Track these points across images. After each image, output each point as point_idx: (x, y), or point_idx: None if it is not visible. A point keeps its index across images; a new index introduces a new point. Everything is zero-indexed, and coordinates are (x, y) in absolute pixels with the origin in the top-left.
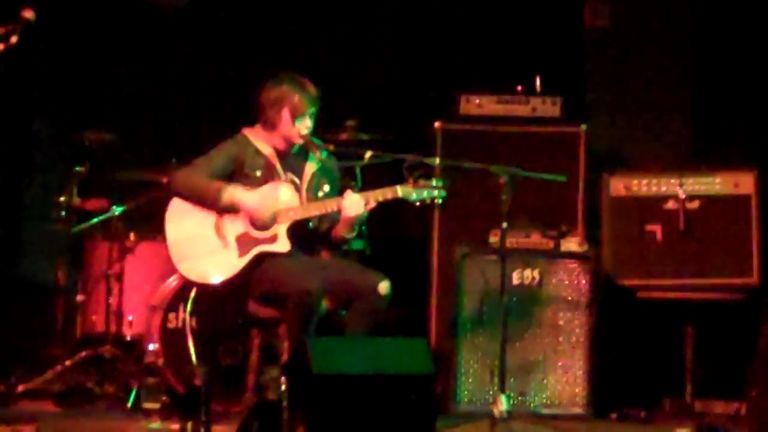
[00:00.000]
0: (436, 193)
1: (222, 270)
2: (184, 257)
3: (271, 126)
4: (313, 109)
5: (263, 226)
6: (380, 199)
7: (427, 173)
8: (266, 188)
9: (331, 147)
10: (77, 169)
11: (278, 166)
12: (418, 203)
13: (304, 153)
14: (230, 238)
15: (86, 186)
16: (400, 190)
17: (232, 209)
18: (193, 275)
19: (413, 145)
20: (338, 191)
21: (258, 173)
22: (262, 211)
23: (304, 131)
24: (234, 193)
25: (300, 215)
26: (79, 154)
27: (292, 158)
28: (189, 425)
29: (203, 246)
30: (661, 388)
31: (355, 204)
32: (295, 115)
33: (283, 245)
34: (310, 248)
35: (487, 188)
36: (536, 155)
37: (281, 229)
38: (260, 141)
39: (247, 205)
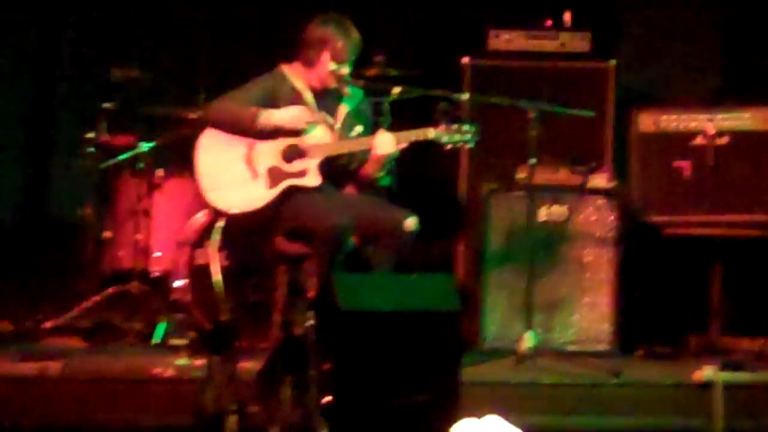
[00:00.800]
0: (468, 137)
1: (251, 201)
2: (213, 186)
3: (309, 64)
4: (353, 57)
5: (296, 158)
6: (412, 139)
7: (460, 117)
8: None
9: (360, 82)
10: (105, 105)
11: (313, 104)
12: (449, 146)
13: (339, 94)
14: (261, 169)
15: (114, 122)
16: (432, 133)
17: (267, 131)
18: (222, 204)
19: (441, 80)
20: (371, 133)
21: None
22: (299, 121)
23: (340, 76)
24: (271, 114)
25: (332, 151)
26: (107, 91)
27: (327, 98)
28: (216, 361)
29: (233, 176)
30: (687, 325)
31: (386, 143)
32: (335, 60)
33: (313, 180)
34: (340, 185)
35: (515, 124)
36: (565, 91)
37: (312, 164)
38: (297, 78)
39: (283, 121)
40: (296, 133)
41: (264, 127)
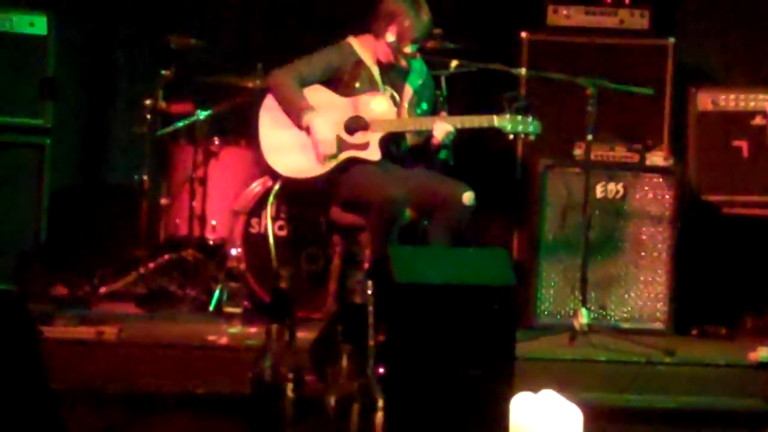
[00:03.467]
0: (531, 129)
1: (310, 167)
2: (274, 149)
3: (376, 36)
4: (419, 38)
5: (358, 130)
6: (475, 125)
7: (525, 107)
8: (362, 99)
9: (417, 54)
10: (163, 72)
11: (379, 79)
12: (511, 136)
13: (405, 70)
14: None
15: (172, 90)
16: (496, 120)
17: (307, 132)
18: (281, 167)
19: (499, 55)
20: (434, 111)
21: (357, 84)
22: (322, 149)
23: (398, 50)
24: (312, 120)
25: (394, 128)
26: (165, 58)
27: (393, 73)
28: (273, 328)
29: (295, 141)
30: (743, 305)
31: (447, 129)
32: (399, 38)
33: (373, 154)
34: (400, 160)
35: (572, 100)
36: (623, 68)
37: (374, 138)
38: (365, 51)
39: (316, 137)
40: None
41: (303, 126)
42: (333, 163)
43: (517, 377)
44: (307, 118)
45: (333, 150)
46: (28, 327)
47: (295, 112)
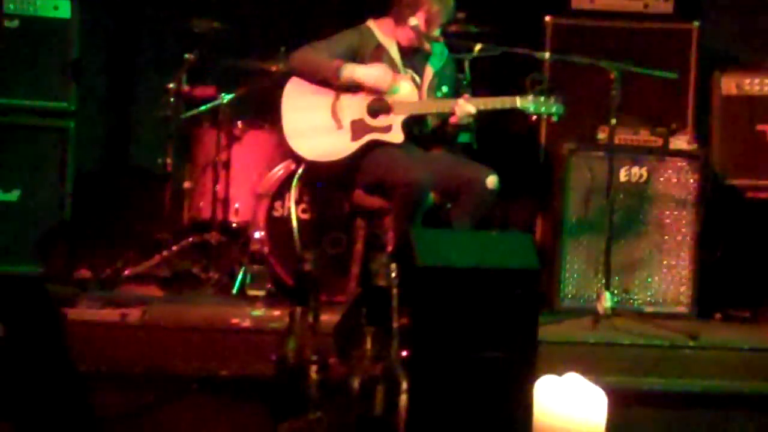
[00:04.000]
0: (553, 110)
1: (333, 150)
2: (297, 133)
3: (400, 21)
4: (445, 22)
5: (381, 113)
6: (498, 107)
7: (549, 88)
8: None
9: (441, 39)
10: (186, 56)
11: (399, 62)
12: (534, 117)
13: (426, 53)
14: (345, 121)
15: (195, 73)
16: (519, 101)
17: (350, 86)
18: (304, 151)
19: (523, 38)
20: (455, 94)
21: None
22: (382, 83)
23: (421, 33)
24: (354, 69)
25: (417, 110)
26: (188, 42)
27: (414, 56)
28: (297, 311)
29: (317, 125)
30: (767, 289)
31: (469, 109)
32: (427, 23)
33: (396, 136)
34: (422, 143)
35: (596, 84)
36: (647, 52)
37: (397, 120)
38: (385, 35)
39: (366, 79)
40: (378, 90)
41: (346, 81)
42: (368, 138)
43: (540, 360)
44: (347, 72)
45: (390, 79)
46: (52, 311)
47: (330, 73)
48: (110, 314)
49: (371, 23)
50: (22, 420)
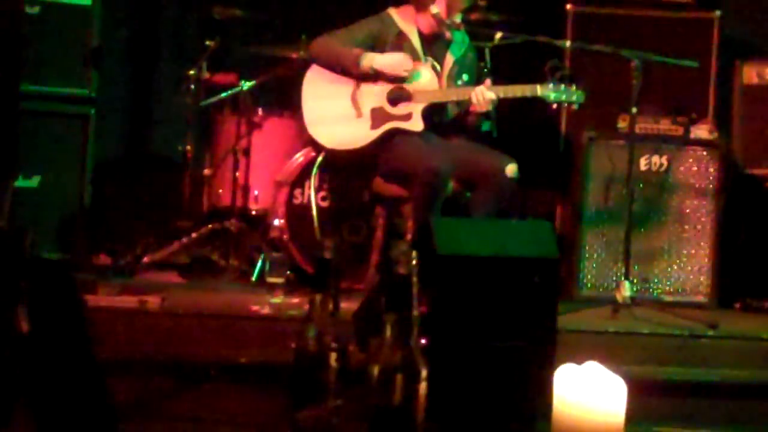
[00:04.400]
0: (574, 98)
1: (353, 139)
2: (316, 121)
3: (421, 8)
4: (466, 7)
5: (401, 101)
6: (518, 95)
7: (570, 76)
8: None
9: (462, 26)
10: (207, 43)
11: (420, 49)
12: (554, 105)
13: (447, 41)
14: (365, 109)
15: (216, 60)
16: (539, 89)
17: (370, 75)
18: (323, 139)
19: (544, 26)
20: (475, 82)
21: None
22: (402, 71)
23: (442, 20)
24: (374, 58)
25: (437, 98)
26: (209, 28)
27: (435, 44)
28: (317, 298)
29: (337, 113)
30: None
31: (489, 98)
32: (450, 9)
33: (416, 124)
34: (442, 131)
35: (617, 72)
36: (668, 40)
37: (417, 109)
38: (406, 22)
39: (386, 68)
40: (398, 78)
41: (365, 69)
42: (388, 126)
43: (560, 349)
44: (367, 60)
45: (410, 68)
46: (74, 296)
47: (350, 62)
48: (129, 301)
49: (392, 11)
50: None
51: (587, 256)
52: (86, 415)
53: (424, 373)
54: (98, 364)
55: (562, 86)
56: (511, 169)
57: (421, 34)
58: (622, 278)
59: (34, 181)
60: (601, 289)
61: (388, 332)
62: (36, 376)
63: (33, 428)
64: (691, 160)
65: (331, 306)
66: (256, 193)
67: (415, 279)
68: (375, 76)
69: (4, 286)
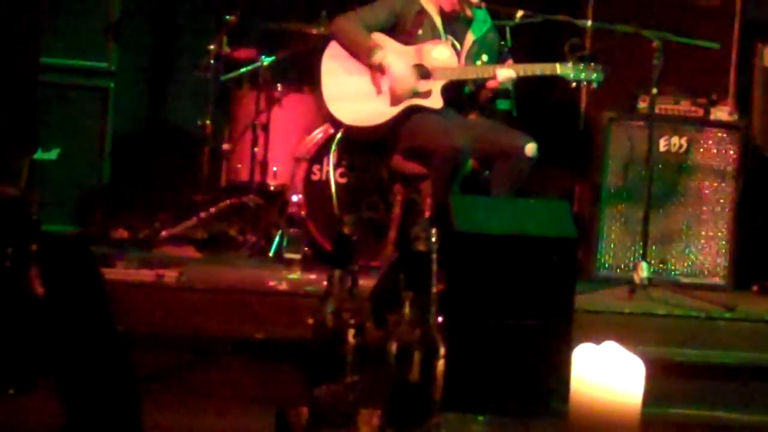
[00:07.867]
0: (594, 77)
1: (372, 116)
2: (336, 97)
3: None
4: None
5: (421, 79)
6: (537, 73)
7: (589, 55)
8: (424, 47)
9: (483, 4)
10: (227, 18)
11: (441, 27)
12: (574, 84)
13: (468, 19)
14: (384, 87)
15: (236, 35)
16: (559, 68)
17: (378, 70)
18: (342, 116)
19: (565, 6)
20: (495, 62)
21: (420, 32)
22: (402, 84)
23: (468, 3)
24: (386, 56)
25: (456, 76)
26: (229, 3)
27: (455, 22)
28: (336, 274)
29: (357, 89)
30: None
31: (509, 75)
32: None
33: (436, 102)
34: (461, 109)
35: (637, 53)
36: (690, 21)
37: (436, 86)
38: (428, 0)
39: (393, 73)
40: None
41: (375, 64)
42: (407, 104)
43: (576, 329)
44: (379, 56)
45: (411, 83)
46: (93, 270)
47: (363, 52)
48: (147, 275)
49: None
50: (66, 375)
51: (605, 236)
52: (110, 384)
53: (441, 350)
54: (119, 335)
55: (582, 65)
56: (530, 148)
57: (442, 12)
58: (640, 259)
59: (53, 154)
60: (618, 270)
61: (407, 310)
62: (58, 345)
63: (57, 396)
64: (710, 142)
65: (349, 282)
66: (274, 168)
67: (434, 256)
68: (383, 69)
69: (16, 251)
